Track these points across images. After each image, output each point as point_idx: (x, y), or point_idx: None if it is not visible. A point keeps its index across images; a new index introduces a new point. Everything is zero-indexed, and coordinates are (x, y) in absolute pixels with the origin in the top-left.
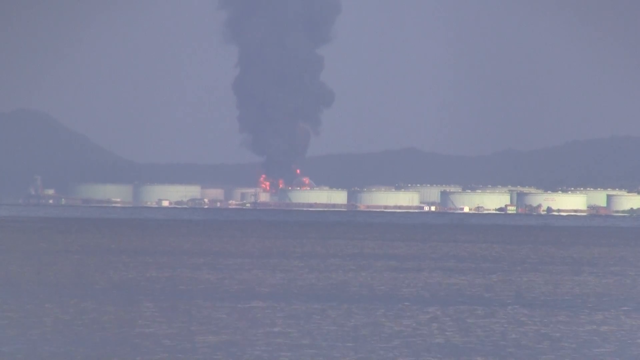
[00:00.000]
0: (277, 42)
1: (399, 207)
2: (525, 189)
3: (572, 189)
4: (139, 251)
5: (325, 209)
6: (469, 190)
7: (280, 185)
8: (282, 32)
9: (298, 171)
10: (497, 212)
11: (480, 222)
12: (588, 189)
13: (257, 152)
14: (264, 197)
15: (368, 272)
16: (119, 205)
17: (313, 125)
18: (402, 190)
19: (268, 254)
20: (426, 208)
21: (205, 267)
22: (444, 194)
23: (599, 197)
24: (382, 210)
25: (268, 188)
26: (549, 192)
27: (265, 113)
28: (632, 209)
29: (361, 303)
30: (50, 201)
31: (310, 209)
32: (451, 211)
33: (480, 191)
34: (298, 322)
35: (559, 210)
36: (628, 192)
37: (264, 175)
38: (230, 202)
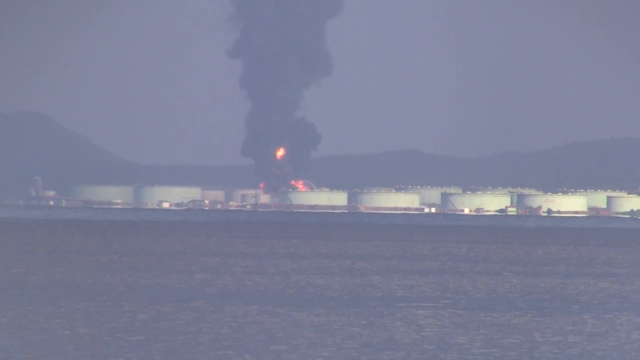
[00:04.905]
0: (279, 37)
1: (399, 209)
2: (526, 191)
3: (573, 190)
4: (141, 252)
5: (326, 211)
6: (469, 192)
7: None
8: (284, 30)
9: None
10: (497, 213)
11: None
12: (588, 190)
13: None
14: (264, 199)
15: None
16: (119, 206)
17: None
18: (403, 191)
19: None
20: (426, 210)
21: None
22: (444, 196)
23: (599, 199)
24: (384, 212)
25: (262, 186)
26: (549, 193)
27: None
28: (632, 210)
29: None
30: (51, 202)
31: (311, 211)
32: (451, 212)
33: (480, 193)
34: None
35: (559, 212)
36: (628, 194)
37: (261, 184)
38: (231, 203)
